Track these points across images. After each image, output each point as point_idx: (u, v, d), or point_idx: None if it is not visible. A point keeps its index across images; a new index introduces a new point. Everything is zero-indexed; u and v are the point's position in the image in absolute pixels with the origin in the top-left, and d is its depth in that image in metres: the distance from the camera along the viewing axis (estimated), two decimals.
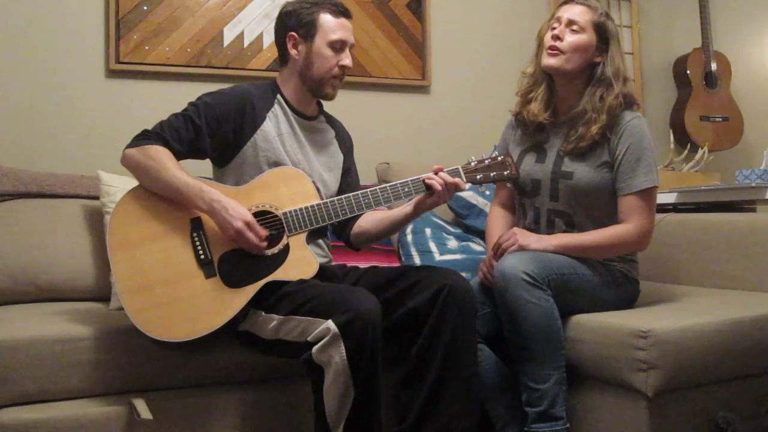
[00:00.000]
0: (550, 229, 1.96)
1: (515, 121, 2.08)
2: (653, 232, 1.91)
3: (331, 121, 2.06)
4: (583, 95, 1.92)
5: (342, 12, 1.88)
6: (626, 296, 1.94)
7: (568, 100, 1.96)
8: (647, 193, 1.87)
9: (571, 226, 1.94)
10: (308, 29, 1.85)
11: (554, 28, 1.93)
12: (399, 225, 1.94)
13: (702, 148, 3.12)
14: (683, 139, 3.29)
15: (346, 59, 1.87)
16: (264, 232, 1.71)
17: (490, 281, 1.89)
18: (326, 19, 1.85)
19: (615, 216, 1.90)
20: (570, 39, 1.90)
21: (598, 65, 1.92)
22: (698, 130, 3.31)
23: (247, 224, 1.68)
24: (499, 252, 1.88)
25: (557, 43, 1.90)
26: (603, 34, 1.92)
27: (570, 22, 1.90)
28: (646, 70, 3.52)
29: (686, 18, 3.50)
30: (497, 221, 2.11)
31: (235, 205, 1.69)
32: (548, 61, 1.91)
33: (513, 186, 2.06)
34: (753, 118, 3.40)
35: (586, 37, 1.90)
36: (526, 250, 1.83)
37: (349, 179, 2.04)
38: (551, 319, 1.74)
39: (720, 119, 3.36)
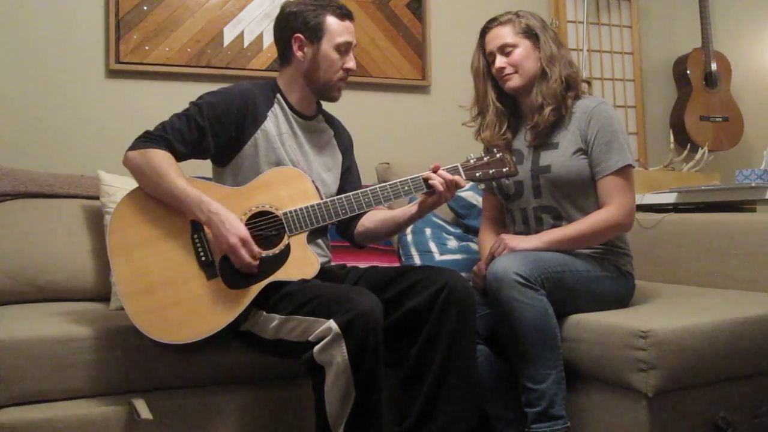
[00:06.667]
0: (539, 227, 1.98)
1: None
2: (655, 232, 1.91)
3: (330, 120, 2.06)
4: None
5: (346, 14, 1.88)
6: (622, 290, 1.95)
7: (533, 102, 1.98)
8: (623, 173, 1.90)
9: (559, 219, 1.96)
10: (315, 32, 1.84)
11: (494, 62, 1.98)
12: (403, 225, 1.94)
13: (702, 148, 3.11)
14: (683, 139, 3.29)
15: (350, 62, 1.88)
16: (258, 251, 1.69)
17: (477, 285, 1.93)
18: (332, 22, 1.84)
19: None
20: (511, 60, 1.96)
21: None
22: (698, 130, 3.31)
23: (242, 240, 1.66)
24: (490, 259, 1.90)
25: (505, 72, 1.97)
26: (531, 34, 1.97)
27: (502, 48, 1.97)
28: (646, 70, 3.52)
29: (686, 18, 3.50)
30: (487, 236, 2.13)
31: (233, 220, 1.68)
32: (508, 86, 1.98)
33: (498, 193, 2.08)
34: (753, 118, 3.40)
35: (522, 48, 1.96)
36: (517, 251, 1.84)
37: (350, 179, 2.04)
38: (546, 318, 1.74)
39: (720, 119, 3.36)
